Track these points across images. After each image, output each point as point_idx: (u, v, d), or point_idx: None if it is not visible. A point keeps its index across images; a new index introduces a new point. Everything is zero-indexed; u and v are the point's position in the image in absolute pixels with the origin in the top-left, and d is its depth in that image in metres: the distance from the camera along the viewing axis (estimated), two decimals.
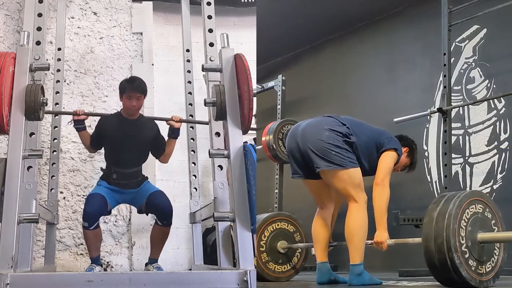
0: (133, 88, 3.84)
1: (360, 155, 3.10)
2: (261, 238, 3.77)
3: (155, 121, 4.06)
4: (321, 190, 3.25)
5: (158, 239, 3.99)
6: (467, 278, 2.53)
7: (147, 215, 4.11)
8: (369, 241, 3.09)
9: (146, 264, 4.08)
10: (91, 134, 4.00)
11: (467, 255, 2.56)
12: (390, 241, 3.06)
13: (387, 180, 3.10)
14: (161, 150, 3.99)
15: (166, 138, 4.00)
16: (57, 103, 4.39)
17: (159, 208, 3.92)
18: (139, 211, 4.08)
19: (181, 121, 3.95)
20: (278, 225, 3.84)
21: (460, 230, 2.56)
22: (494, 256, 2.70)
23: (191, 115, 4.44)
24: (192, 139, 4.44)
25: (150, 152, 4.02)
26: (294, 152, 3.17)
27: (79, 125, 3.90)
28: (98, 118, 4.11)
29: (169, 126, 3.95)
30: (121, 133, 3.87)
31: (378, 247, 3.07)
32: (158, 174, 4.21)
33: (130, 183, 3.91)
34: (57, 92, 4.44)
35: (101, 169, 4.03)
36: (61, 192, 4.67)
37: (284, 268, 3.82)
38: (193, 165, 4.44)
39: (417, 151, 3.53)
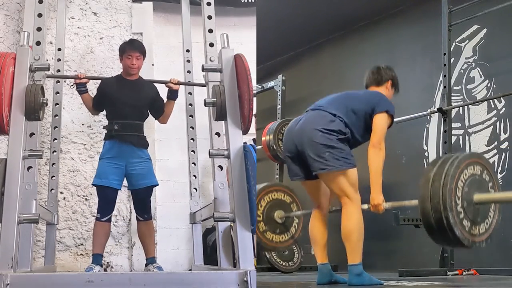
0: (133, 48, 3.98)
1: (354, 131, 3.09)
2: (257, 208, 3.70)
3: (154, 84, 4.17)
4: (319, 190, 3.23)
5: (145, 235, 4.06)
6: (460, 238, 2.51)
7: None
8: (365, 206, 3.07)
9: (146, 265, 4.08)
10: (93, 96, 4.09)
11: (462, 215, 2.53)
12: (386, 204, 3.05)
13: (383, 142, 3.07)
14: (160, 111, 4.10)
15: (165, 100, 4.09)
16: (57, 104, 4.38)
17: (138, 200, 4.04)
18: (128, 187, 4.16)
19: (179, 83, 4.06)
20: (274, 195, 3.78)
21: (457, 190, 2.52)
22: (489, 218, 2.68)
23: (191, 115, 4.45)
24: (192, 139, 4.44)
25: (149, 113, 4.10)
26: (293, 154, 3.16)
27: (81, 88, 4.00)
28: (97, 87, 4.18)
29: (168, 88, 4.05)
30: (121, 93, 3.97)
31: (375, 210, 3.05)
32: (158, 174, 4.21)
33: (132, 136, 3.95)
34: (57, 93, 4.43)
35: (104, 127, 4.09)
36: (61, 193, 4.67)
37: (282, 238, 3.78)
38: (193, 165, 4.44)
39: (397, 78, 3.45)
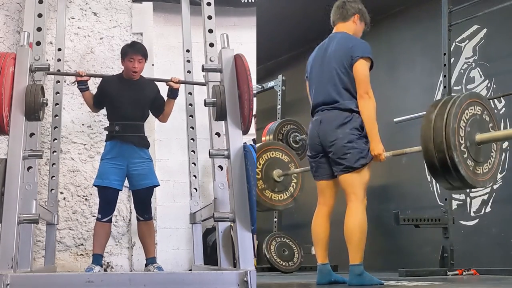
0: (135, 51, 3.98)
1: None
2: (256, 166, 3.66)
3: (155, 82, 4.17)
4: (337, 188, 3.23)
5: (145, 235, 4.08)
6: (465, 177, 2.51)
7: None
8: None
9: (146, 265, 4.09)
10: (94, 94, 4.10)
11: (465, 155, 2.52)
12: (387, 153, 3.05)
13: (370, 91, 3.04)
14: (160, 110, 4.12)
15: (165, 98, 4.10)
16: (57, 104, 4.38)
17: (139, 200, 4.05)
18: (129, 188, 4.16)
19: (180, 82, 4.07)
20: (272, 154, 3.74)
21: (460, 130, 2.52)
22: (491, 158, 2.68)
23: (191, 116, 4.45)
24: (192, 139, 4.44)
25: (150, 112, 4.12)
26: (321, 155, 3.16)
27: (82, 85, 4.01)
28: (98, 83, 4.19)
29: (168, 87, 4.06)
30: (122, 93, 3.98)
31: (376, 160, 3.05)
32: (158, 174, 4.21)
33: (133, 137, 3.96)
34: (57, 93, 4.43)
35: (105, 128, 4.11)
36: (61, 193, 4.67)
37: (281, 196, 3.73)
38: (193, 165, 4.45)
39: (365, 11, 3.41)
